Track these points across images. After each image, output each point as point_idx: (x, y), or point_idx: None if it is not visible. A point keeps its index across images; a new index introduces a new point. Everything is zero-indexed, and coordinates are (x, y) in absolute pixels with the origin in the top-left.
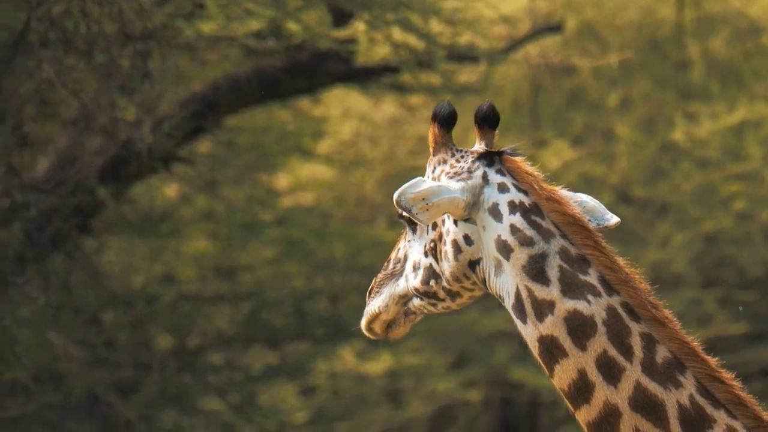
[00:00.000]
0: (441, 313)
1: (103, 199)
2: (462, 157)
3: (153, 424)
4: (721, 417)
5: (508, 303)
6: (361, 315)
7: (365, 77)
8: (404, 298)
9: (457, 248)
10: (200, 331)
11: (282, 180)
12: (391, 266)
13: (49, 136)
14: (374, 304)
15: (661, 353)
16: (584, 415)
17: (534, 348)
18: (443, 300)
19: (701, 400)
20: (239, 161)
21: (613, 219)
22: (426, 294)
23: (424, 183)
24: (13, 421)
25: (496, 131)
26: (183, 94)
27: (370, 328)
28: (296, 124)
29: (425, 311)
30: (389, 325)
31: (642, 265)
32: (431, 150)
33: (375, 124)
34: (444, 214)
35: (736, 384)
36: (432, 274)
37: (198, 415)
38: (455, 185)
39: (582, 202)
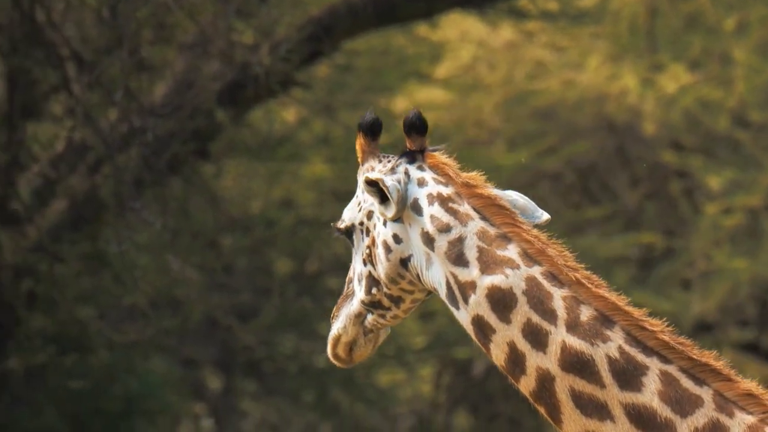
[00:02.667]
0: (393, 324)
1: (221, 124)
2: (388, 161)
3: (272, 348)
4: (653, 363)
5: (442, 293)
6: None
7: (482, 2)
8: (360, 317)
9: (387, 248)
10: (318, 255)
11: (399, 103)
12: (345, 288)
13: (166, 60)
14: (334, 328)
15: (586, 312)
16: (525, 387)
17: (470, 332)
18: (389, 308)
19: (631, 350)
20: (357, 85)
21: (544, 216)
22: (372, 305)
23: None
24: (131, 346)
25: (426, 137)
26: (300, 17)
27: (335, 354)
28: (414, 49)
29: (379, 325)
30: (351, 348)
31: (759, 189)
32: (360, 160)
33: (492, 48)
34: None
35: (667, 329)
36: (372, 281)
37: (317, 339)
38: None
39: (512, 201)
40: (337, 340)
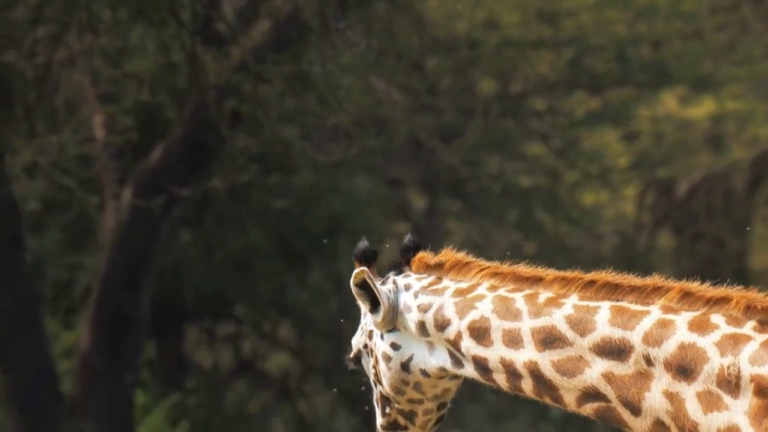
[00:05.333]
0: None
1: None
2: (384, 281)
3: (476, 168)
4: (603, 303)
5: (449, 365)
6: None
7: None
8: None
9: (387, 358)
10: (523, 76)
11: None
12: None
13: None
14: None
15: (542, 297)
16: (529, 390)
17: (478, 378)
18: (405, 428)
19: (582, 303)
20: None
21: None
22: (390, 427)
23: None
24: (335, 165)
25: (374, 264)
26: None
27: None
28: None
29: None
30: None
31: None
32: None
33: None
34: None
35: (612, 275)
36: (384, 401)
37: (521, 160)
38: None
39: None
40: None
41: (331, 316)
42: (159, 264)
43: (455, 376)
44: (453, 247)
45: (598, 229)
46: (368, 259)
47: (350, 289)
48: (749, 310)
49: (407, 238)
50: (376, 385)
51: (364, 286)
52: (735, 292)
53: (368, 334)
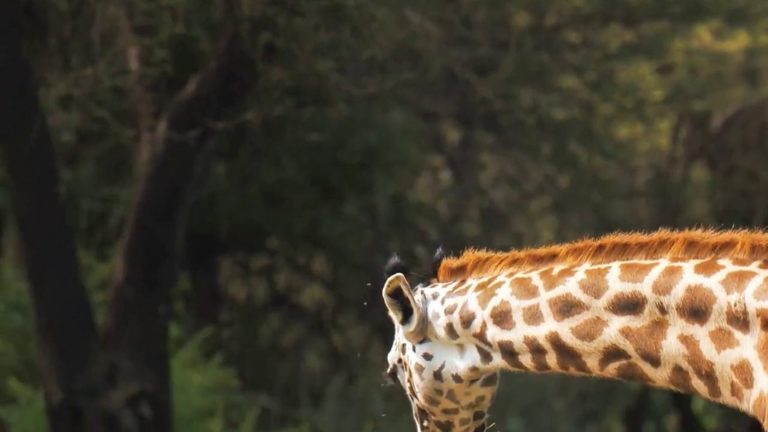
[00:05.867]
0: None
1: None
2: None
3: (510, 101)
4: (614, 263)
5: (479, 362)
6: None
7: None
8: None
9: (419, 369)
10: (557, 8)
11: None
12: None
13: None
14: None
15: (556, 270)
16: (554, 364)
17: (507, 366)
18: None
19: (593, 267)
20: None
21: None
22: None
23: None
24: (369, 98)
25: (410, 274)
26: None
27: None
28: None
29: None
30: None
31: None
32: None
33: None
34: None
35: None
36: (421, 414)
37: (555, 92)
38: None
39: None
40: None
41: (366, 248)
42: (193, 196)
43: (488, 383)
44: (474, 248)
45: (632, 163)
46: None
47: (383, 296)
48: (755, 250)
49: (438, 252)
50: (412, 399)
51: (397, 296)
52: (739, 235)
53: (401, 348)
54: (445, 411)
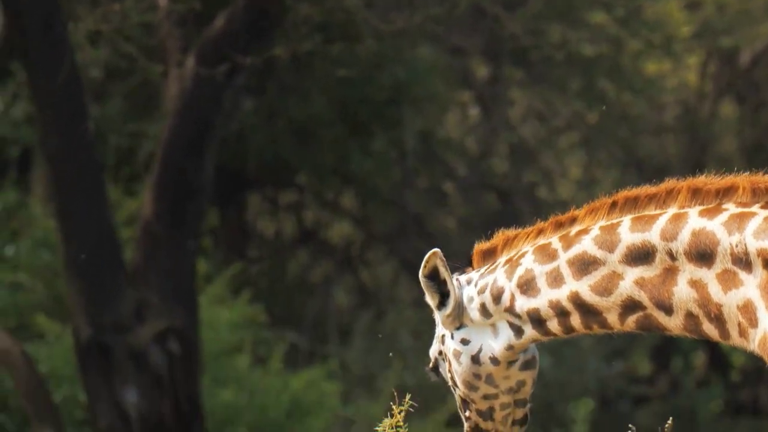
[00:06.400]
0: None
1: None
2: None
3: (539, 37)
4: (624, 216)
5: (514, 339)
6: None
7: None
8: None
9: (458, 355)
10: None
11: None
12: None
13: None
14: None
15: (573, 231)
16: (578, 324)
17: (537, 336)
18: (487, 430)
19: (606, 222)
20: None
21: None
22: (474, 430)
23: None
24: (398, 34)
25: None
26: None
27: None
28: None
29: None
30: None
31: None
32: None
33: None
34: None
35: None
36: (464, 404)
37: (583, 28)
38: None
39: None
40: None
41: (394, 184)
42: (222, 132)
43: (527, 367)
44: (502, 228)
45: (660, 99)
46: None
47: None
48: (756, 193)
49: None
50: (454, 390)
51: (433, 277)
52: (740, 179)
53: (441, 340)
54: (485, 397)
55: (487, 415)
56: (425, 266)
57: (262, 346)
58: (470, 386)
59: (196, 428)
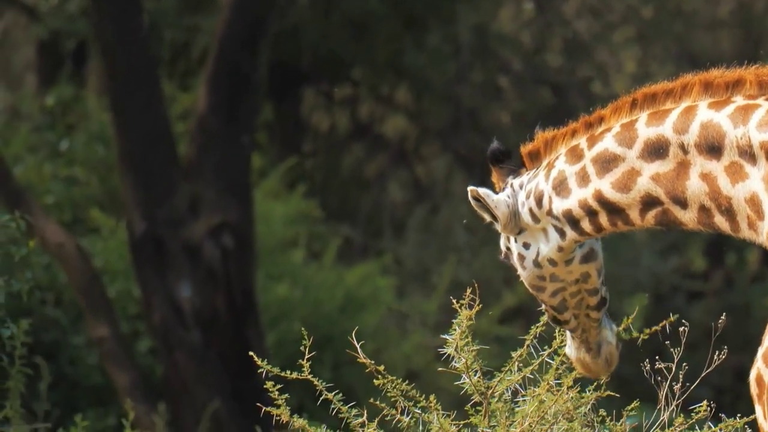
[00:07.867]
0: (592, 322)
1: None
2: (504, 188)
3: None
4: (642, 113)
5: (560, 241)
6: None
7: None
8: (573, 341)
9: (522, 258)
10: None
11: None
12: None
13: None
14: (572, 354)
15: (600, 131)
16: (606, 224)
17: (576, 237)
18: (565, 320)
19: (625, 120)
20: None
21: None
22: (556, 322)
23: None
24: None
25: (510, 164)
26: None
27: (604, 372)
28: None
29: (583, 336)
30: (602, 364)
31: None
32: (497, 190)
33: None
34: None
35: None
36: (540, 301)
37: None
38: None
39: None
40: (586, 367)
41: (449, 79)
42: (277, 26)
43: (588, 259)
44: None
45: None
46: (498, 159)
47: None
48: (762, 86)
49: (494, 144)
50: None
51: (478, 200)
52: (747, 72)
53: (506, 238)
54: (554, 293)
55: (561, 307)
56: (470, 194)
57: (316, 241)
58: (538, 288)
59: (251, 323)
